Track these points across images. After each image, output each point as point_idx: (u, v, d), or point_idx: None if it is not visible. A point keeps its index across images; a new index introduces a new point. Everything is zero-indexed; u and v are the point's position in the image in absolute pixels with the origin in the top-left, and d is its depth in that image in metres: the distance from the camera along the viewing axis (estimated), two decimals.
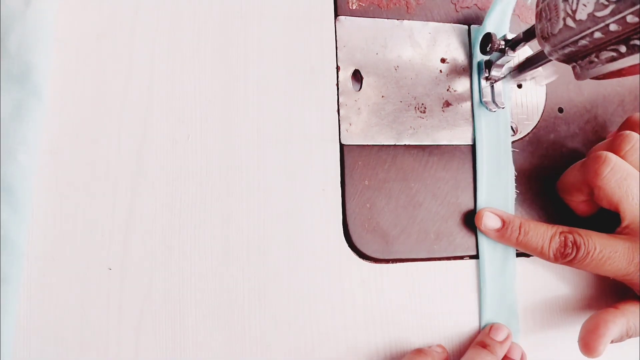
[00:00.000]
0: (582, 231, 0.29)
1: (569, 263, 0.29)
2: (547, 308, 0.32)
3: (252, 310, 0.28)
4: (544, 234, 0.29)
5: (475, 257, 0.32)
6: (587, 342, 0.28)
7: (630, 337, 0.29)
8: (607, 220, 0.31)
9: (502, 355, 0.29)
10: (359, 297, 0.29)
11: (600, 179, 0.28)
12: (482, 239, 0.31)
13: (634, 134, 0.29)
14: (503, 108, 0.32)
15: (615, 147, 0.29)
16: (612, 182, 0.28)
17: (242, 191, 0.29)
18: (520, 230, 0.30)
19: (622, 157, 0.29)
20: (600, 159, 0.28)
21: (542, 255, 0.29)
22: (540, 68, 0.29)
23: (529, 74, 0.31)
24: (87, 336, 0.26)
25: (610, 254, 0.28)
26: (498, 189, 0.32)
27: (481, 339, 0.30)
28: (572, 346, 0.29)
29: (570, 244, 0.28)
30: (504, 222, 0.30)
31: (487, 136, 0.32)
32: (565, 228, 0.29)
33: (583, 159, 0.31)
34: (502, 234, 0.30)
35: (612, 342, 0.28)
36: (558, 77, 0.32)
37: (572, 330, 0.31)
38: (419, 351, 0.29)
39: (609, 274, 0.29)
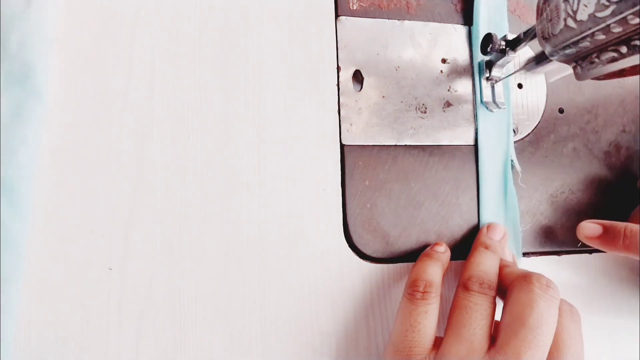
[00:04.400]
0: None
1: None
2: None
3: (252, 310, 0.28)
4: None
5: None
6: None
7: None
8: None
9: (502, 253, 0.30)
10: (360, 297, 0.29)
11: None
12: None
13: None
14: (503, 108, 0.32)
15: None
16: None
17: (242, 191, 0.29)
18: (624, 232, 0.29)
19: None
20: None
21: None
22: (555, 63, 0.29)
23: (542, 68, 0.30)
24: (88, 336, 0.26)
25: None
26: (501, 190, 0.32)
27: (482, 240, 0.30)
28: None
29: None
30: (605, 227, 0.30)
31: (490, 137, 0.32)
32: None
33: None
34: (605, 240, 0.30)
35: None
36: (561, 77, 0.32)
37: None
38: (427, 256, 0.29)
39: None
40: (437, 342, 0.26)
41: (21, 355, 0.25)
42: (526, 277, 0.26)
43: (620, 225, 0.29)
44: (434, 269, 0.28)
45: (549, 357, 0.24)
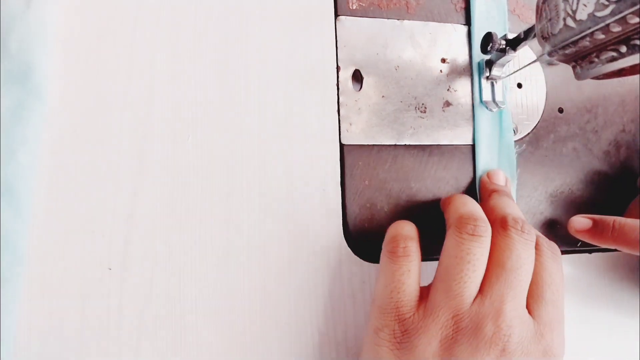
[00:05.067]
0: None
1: None
2: None
3: (253, 310, 0.28)
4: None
5: None
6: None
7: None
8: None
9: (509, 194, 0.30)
10: (359, 297, 0.29)
11: None
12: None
13: None
14: (503, 108, 0.32)
15: None
16: None
17: (242, 191, 0.29)
18: (613, 225, 0.30)
19: None
20: None
21: None
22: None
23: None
24: (88, 336, 0.26)
25: None
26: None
27: (490, 187, 0.31)
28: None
29: None
30: (594, 221, 0.31)
31: (487, 136, 0.32)
32: None
33: None
34: (595, 233, 0.30)
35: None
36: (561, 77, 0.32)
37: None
38: (399, 221, 0.29)
39: None
40: (424, 293, 0.26)
41: (21, 355, 0.25)
42: (503, 223, 0.26)
43: (610, 218, 0.30)
44: (410, 226, 0.28)
45: (529, 294, 0.25)
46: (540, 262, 0.26)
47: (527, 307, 0.25)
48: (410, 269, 0.26)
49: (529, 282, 0.25)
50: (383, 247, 0.28)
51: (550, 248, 0.27)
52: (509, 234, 0.25)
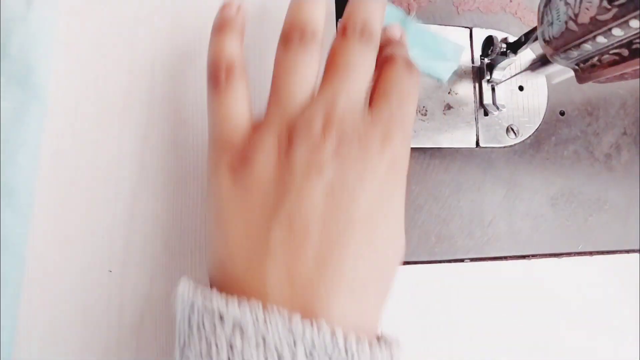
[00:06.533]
0: None
1: None
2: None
3: None
4: None
5: (476, 259, 0.32)
6: None
7: None
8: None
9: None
10: None
11: None
12: None
13: None
14: (503, 110, 0.32)
15: None
16: None
17: None
18: None
19: None
20: None
21: None
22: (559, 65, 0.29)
23: (544, 70, 0.30)
24: (88, 338, 0.26)
25: None
26: None
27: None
28: None
29: None
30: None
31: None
32: None
33: None
34: None
35: None
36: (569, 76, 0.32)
37: None
38: (219, 30, 0.24)
39: None
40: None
41: (21, 357, 0.25)
42: (344, 29, 0.23)
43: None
44: (233, 43, 0.24)
45: (373, 101, 0.23)
46: (390, 69, 0.23)
47: (370, 108, 0.23)
48: (237, 97, 0.23)
49: (366, 84, 0.23)
50: (206, 70, 0.24)
51: (405, 60, 0.24)
52: (346, 38, 0.23)
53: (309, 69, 0.23)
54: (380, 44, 0.25)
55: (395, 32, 0.26)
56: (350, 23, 0.23)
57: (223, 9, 0.25)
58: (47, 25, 0.26)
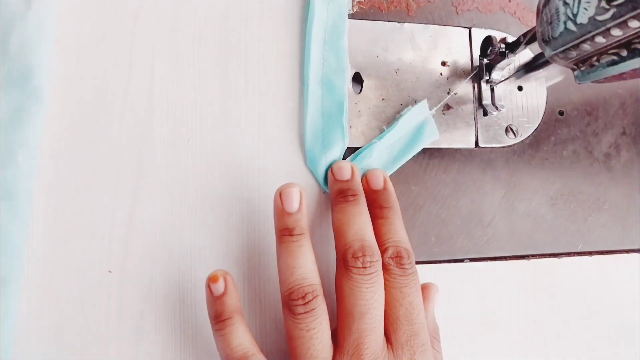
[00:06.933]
0: None
1: None
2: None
3: (253, 312, 0.28)
4: None
5: (476, 259, 0.32)
6: None
7: None
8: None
9: (360, 189, 0.27)
10: None
11: None
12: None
13: None
14: (502, 111, 0.32)
15: None
16: None
17: (242, 193, 0.29)
18: None
19: None
20: None
21: None
22: (544, 70, 0.29)
23: (534, 75, 0.31)
24: (87, 338, 0.26)
25: None
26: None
27: (336, 189, 0.27)
28: None
29: None
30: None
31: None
32: None
33: None
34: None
35: None
36: (561, 79, 0.32)
37: None
38: (219, 328, 0.24)
39: None
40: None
41: (21, 358, 0.25)
42: (344, 260, 0.24)
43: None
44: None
45: (385, 318, 0.25)
46: (390, 284, 0.25)
47: (385, 332, 0.25)
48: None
49: (382, 316, 0.25)
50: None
51: (398, 266, 0.25)
52: (351, 276, 0.24)
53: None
54: (368, 198, 0.27)
55: (378, 182, 0.28)
56: (349, 255, 0.25)
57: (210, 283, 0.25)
58: (47, 25, 0.26)
